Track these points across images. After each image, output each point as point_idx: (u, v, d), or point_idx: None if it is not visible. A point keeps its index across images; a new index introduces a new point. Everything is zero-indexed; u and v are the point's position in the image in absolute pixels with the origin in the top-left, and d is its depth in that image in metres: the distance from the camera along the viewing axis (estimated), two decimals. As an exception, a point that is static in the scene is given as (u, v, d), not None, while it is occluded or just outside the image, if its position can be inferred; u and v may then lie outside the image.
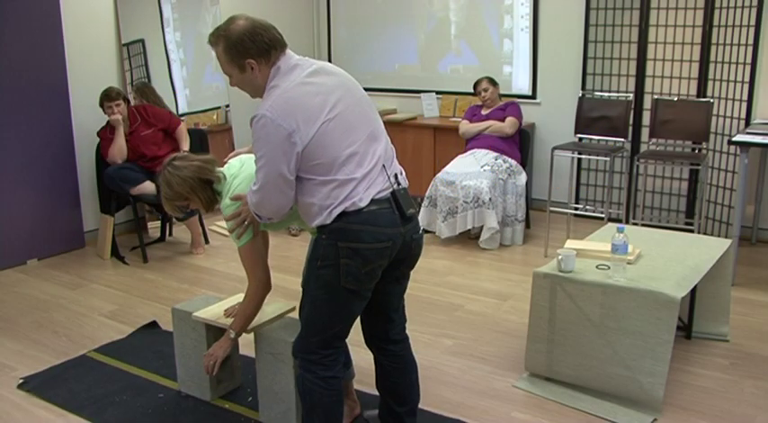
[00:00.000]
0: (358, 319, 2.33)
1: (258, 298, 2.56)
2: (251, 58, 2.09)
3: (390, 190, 2.16)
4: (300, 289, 2.71)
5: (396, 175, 2.21)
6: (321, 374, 2.25)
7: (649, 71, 5.20)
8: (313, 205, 2.12)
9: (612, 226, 3.46)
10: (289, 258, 4.66)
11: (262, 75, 2.12)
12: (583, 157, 5.18)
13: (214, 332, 2.86)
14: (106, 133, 4.68)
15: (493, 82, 5.20)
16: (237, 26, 2.10)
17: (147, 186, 4.60)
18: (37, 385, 3.07)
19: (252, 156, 2.50)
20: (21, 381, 3.11)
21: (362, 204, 2.09)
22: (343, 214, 2.09)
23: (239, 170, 2.50)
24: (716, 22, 4.86)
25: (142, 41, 5.36)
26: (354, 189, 2.09)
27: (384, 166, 2.17)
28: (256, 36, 2.08)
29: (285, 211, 2.18)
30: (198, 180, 2.50)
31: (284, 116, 2.02)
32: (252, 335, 2.71)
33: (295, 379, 2.57)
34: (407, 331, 2.50)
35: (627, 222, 4.94)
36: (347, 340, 2.60)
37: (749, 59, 4.61)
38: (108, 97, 4.58)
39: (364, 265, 2.12)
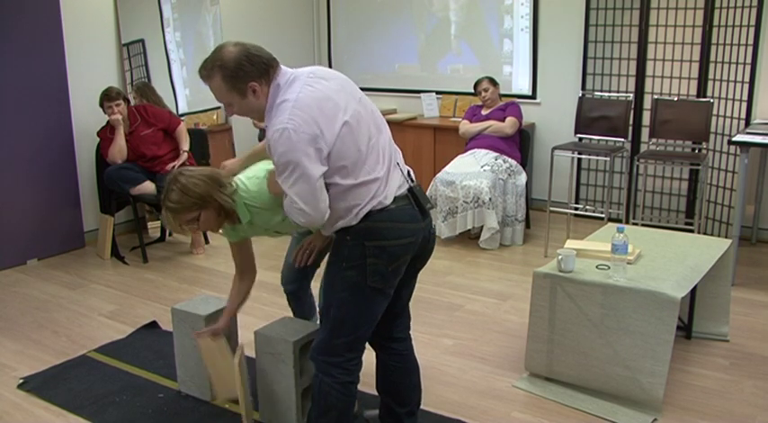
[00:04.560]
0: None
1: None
2: (252, 80, 2.06)
3: (408, 186, 2.20)
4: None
5: (408, 172, 2.26)
6: (342, 379, 2.24)
7: (649, 71, 5.20)
8: (338, 209, 2.11)
9: (612, 226, 3.46)
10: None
11: (264, 95, 2.10)
12: (583, 157, 5.18)
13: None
14: (106, 133, 4.68)
15: (493, 82, 5.19)
16: (230, 53, 2.06)
17: (147, 186, 4.60)
18: (37, 385, 3.07)
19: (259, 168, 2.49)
20: (21, 381, 3.11)
21: (387, 202, 2.13)
22: (369, 214, 2.11)
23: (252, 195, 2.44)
24: (716, 22, 4.86)
25: (142, 41, 5.36)
26: (379, 188, 2.12)
27: (398, 163, 2.22)
28: (253, 58, 2.06)
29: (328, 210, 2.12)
30: (215, 181, 2.40)
31: (305, 124, 1.99)
32: (252, 335, 2.71)
33: (294, 379, 2.57)
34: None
35: (627, 222, 4.94)
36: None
37: (749, 59, 4.61)
38: (108, 97, 4.58)
39: (391, 262, 2.14)
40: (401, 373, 2.45)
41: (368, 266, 2.13)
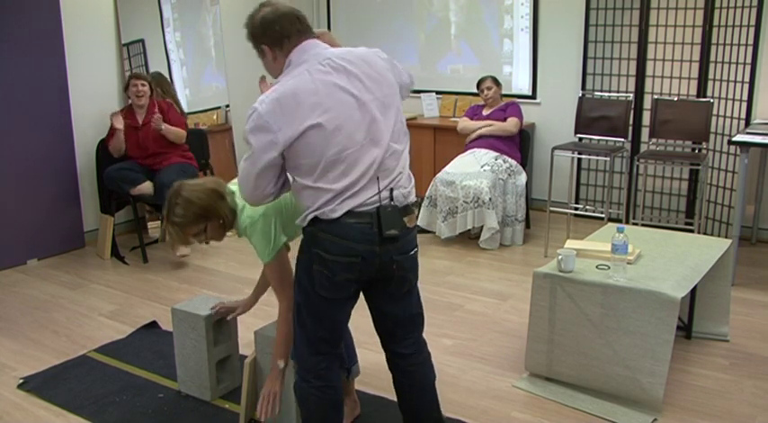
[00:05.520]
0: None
1: (291, 317, 2.35)
2: (263, 44, 2.12)
3: (376, 205, 2.05)
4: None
5: (391, 190, 2.08)
6: (316, 384, 2.22)
7: (649, 71, 5.20)
8: (299, 204, 2.14)
9: (612, 226, 3.46)
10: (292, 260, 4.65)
11: (278, 62, 2.13)
12: (583, 157, 5.18)
13: (214, 332, 2.86)
14: (120, 118, 4.68)
15: (496, 82, 5.19)
16: (258, 14, 2.13)
17: (147, 186, 4.59)
18: (37, 385, 3.07)
19: None
20: (21, 381, 3.11)
21: (334, 215, 2.02)
22: (315, 220, 2.07)
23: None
24: (716, 22, 4.86)
25: (142, 41, 5.36)
26: (330, 200, 2.02)
27: (378, 177, 2.05)
28: (268, 24, 2.10)
29: (268, 198, 2.14)
30: (218, 193, 2.39)
31: (271, 113, 1.99)
32: (252, 335, 2.71)
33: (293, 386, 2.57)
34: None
35: (627, 222, 4.94)
36: (354, 337, 2.59)
37: (749, 59, 4.61)
38: (136, 76, 4.67)
39: (333, 275, 2.08)
40: (413, 392, 2.37)
41: (314, 272, 2.10)
